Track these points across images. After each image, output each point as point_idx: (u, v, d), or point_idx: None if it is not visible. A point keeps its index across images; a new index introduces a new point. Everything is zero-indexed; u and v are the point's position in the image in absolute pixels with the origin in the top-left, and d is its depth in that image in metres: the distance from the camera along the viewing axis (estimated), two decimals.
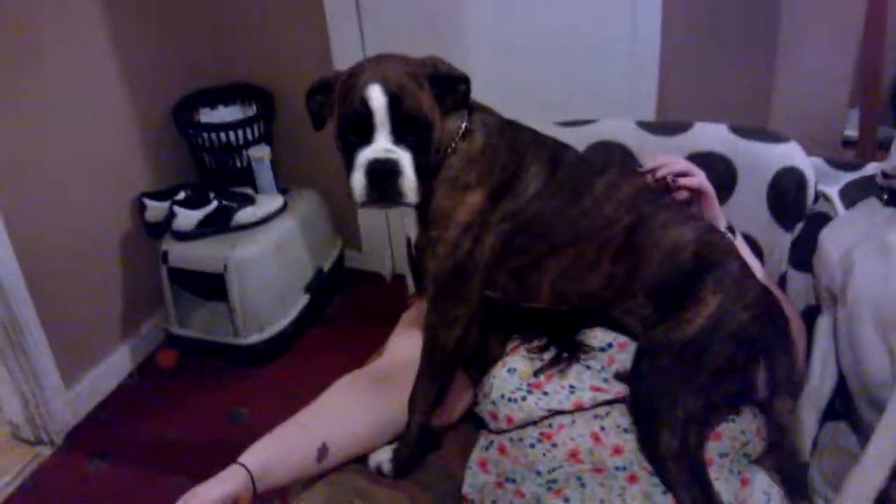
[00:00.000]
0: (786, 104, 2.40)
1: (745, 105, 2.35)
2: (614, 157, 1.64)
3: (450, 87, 1.21)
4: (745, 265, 1.32)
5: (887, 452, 1.18)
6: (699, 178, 1.45)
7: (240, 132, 2.61)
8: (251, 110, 2.75)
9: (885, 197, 1.30)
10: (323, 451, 1.24)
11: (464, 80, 1.22)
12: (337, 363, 1.60)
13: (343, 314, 2.85)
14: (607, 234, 1.28)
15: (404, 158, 1.12)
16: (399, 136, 1.12)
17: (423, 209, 1.22)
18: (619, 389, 1.29)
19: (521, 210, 1.25)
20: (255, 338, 2.56)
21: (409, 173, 1.12)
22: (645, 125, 1.68)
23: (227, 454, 1.20)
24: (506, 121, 1.31)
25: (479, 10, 2.46)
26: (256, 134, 2.65)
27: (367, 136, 1.12)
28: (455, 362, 1.32)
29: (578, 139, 1.67)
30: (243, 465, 1.15)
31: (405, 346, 1.41)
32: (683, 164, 1.47)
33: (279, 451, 1.22)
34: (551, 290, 1.30)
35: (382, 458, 1.31)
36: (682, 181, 1.44)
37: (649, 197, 1.33)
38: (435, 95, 1.19)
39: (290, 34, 2.71)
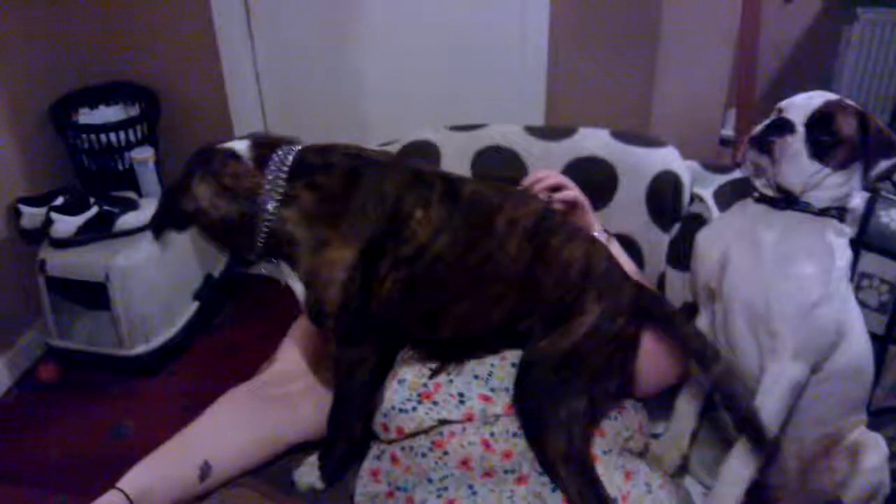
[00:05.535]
0: (667, 106, 2.50)
1: (628, 108, 2.43)
2: (505, 178, 1.57)
3: None
4: (621, 269, 1.35)
5: None
6: (573, 192, 1.47)
7: (121, 133, 2.49)
8: (134, 110, 2.63)
9: (756, 194, 1.37)
10: (205, 471, 1.21)
11: None
12: (228, 372, 1.57)
13: (235, 321, 2.77)
14: (512, 271, 1.25)
15: None
16: None
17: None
18: (507, 401, 1.29)
19: (414, 257, 1.21)
20: (141, 348, 2.45)
21: None
22: (532, 130, 1.71)
23: (112, 471, 1.19)
24: (354, 166, 1.21)
25: (369, 12, 2.45)
26: (139, 135, 2.54)
27: None
28: (370, 390, 1.30)
29: (470, 143, 1.70)
30: (122, 491, 1.11)
31: (294, 356, 1.39)
32: (558, 178, 1.49)
33: (159, 472, 1.19)
34: (454, 328, 1.29)
35: (311, 479, 1.31)
36: (558, 196, 1.46)
37: (543, 223, 1.30)
38: None
39: (175, 31, 2.60)
